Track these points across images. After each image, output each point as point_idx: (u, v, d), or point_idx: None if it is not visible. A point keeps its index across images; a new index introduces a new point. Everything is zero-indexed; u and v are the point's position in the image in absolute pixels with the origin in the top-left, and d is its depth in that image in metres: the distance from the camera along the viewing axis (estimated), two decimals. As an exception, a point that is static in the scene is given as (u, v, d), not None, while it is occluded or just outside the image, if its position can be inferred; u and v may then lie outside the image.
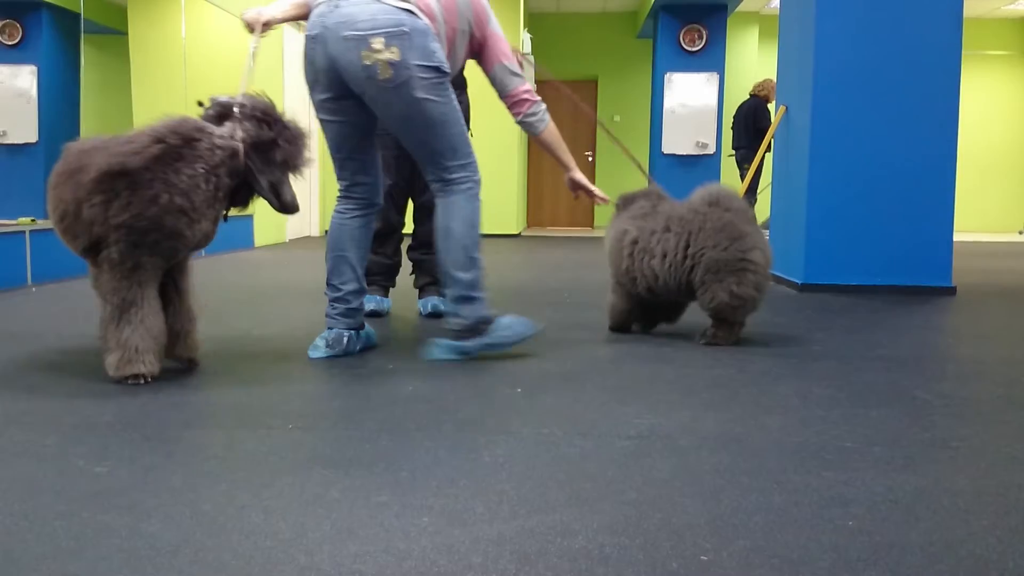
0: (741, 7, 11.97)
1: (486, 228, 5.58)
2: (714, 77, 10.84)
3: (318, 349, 2.91)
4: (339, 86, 2.77)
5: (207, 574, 1.28)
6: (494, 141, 9.83)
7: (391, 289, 4.07)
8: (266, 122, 2.52)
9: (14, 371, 2.66)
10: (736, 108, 9.50)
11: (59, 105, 5.93)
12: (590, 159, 13.04)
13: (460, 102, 3.18)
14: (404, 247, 4.03)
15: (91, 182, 2.32)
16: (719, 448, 1.94)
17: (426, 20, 2.71)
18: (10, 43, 5.80)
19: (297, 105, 9.61)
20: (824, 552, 1.38)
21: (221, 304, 4.08)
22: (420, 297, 4.08)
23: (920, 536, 1.45)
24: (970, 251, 8.19)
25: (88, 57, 5.95)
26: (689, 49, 10.81)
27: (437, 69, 2.71)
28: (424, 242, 3.98)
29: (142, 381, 2.45)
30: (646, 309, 3.43)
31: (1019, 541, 1.43)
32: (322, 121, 2.90)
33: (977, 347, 3.26)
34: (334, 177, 3.05)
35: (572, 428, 2.09)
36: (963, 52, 4.92)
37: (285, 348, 3.05)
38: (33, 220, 5.35)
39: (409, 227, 4.01)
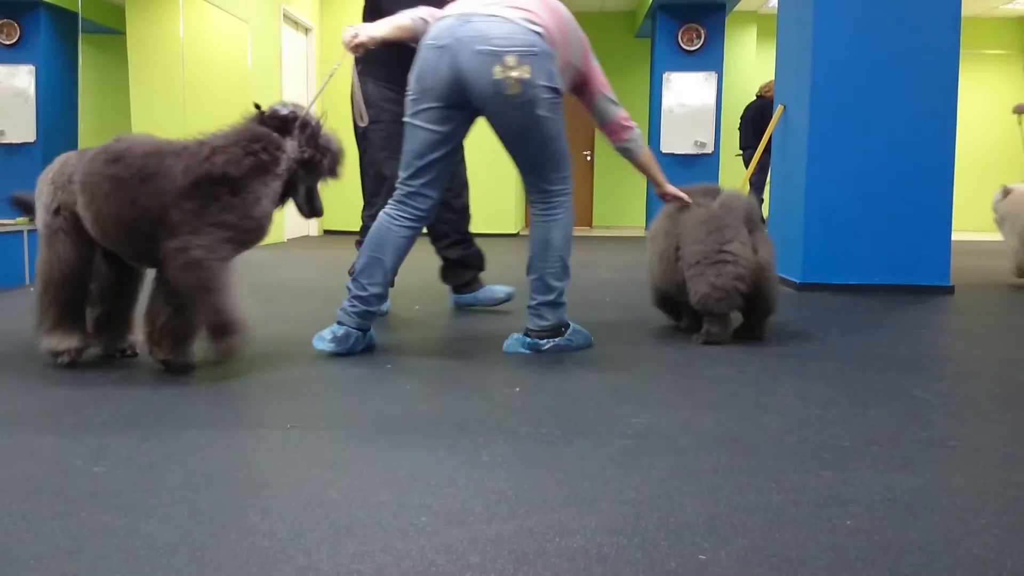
0: (739, 6, 11.97)
1: (482, 227, 5.61)
2: (712, 76, 10.84)
3: (323, 341, 2.92)
4: (456, 97, 2.85)
5: (205, 574, 1.28)
6: (492, 139, 9.82)
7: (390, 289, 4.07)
8: (315, 136, 2.70)
9: (12, 371, 2.66)
10: (743, 109, 9.51)
11: (57, 105, 5.92)
12: (588, 158, 13.05)
13: None
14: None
15: (185, 187, 2.48)
16: (717, 447, 1.94)
17: (550, 45, 2.83)
18: (8, 43, 5.79)
19: (295, 99, 9.62)
20: (822, 551, 1.38)
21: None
22: (467, 291, 4.08)
23: (918, 535, 1.45)
24: (968, 250, 8.19)
25: (86, 57, 5.94)
26: (687, 48, 10.80)
27: (557, 90, 2.86)
28: (465, 237, 4.03)
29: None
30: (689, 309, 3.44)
31: (1017, 540, 1.43)
32: (413, 127, 2.94)
33: (975, 346, 3.26)
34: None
35: (570, 427, 2.09)
36: (961, 51, 4.91)
37: (283, 348, 3.05)
38: (31, 220, 5.35)
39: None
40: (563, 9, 2.97)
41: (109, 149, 2.57)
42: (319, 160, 2.72)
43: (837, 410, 2.28)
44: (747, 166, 9.14)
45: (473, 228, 4.12)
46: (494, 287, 4.12)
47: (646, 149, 3.17)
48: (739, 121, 9.61)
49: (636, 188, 12.73)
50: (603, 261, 6.66)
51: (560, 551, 1.37)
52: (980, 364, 2.92)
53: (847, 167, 4.93)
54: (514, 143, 2.95)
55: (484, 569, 1.30)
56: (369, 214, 3.88)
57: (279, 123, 2.67)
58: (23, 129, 5.82)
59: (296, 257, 6.85)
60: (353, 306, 2.94)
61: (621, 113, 3.10)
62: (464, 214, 4.05)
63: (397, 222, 2.98)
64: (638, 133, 3.14)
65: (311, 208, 2.78)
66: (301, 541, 1.39)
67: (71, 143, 5.89)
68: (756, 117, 9.05)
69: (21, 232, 4.83)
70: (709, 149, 10.82)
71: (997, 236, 7.21)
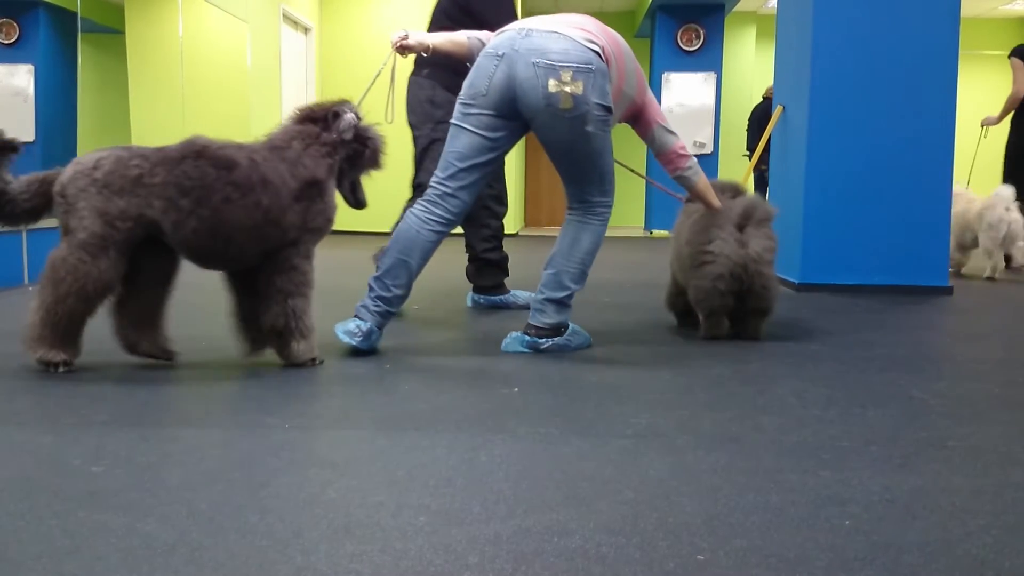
0: (738, 7, 11.97)
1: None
2: (711, 77, 10.85)
3: (350, 335, 2.89)
4: (507, 106, 2.91)
5: (203, 574, 1.28)
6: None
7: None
8: (359, 132, 2.79)
9: (10, 370, 2.66)
10: (751, 110, 9.53)
11: (56, 104, 5.92)
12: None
13: None
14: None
15: (295, 189, 2.62)
16: (716, 447, 1.94)
17: (606, 65, 2.88)
18: (7, 42, 5.79)
19: (294, 99, 9.62)
20: (821, 551, 1.38)
21: (217, 303, 4.07)
22: (497, 293, 4.08)
23: (917, 535, 1.45)
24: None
25: (85, 56, 5.94)
26: (686, 49, 10.81)
27: (608, 109, 2.90)
28: (501, 240, 4.07)
29: (319, 362, 2.76)
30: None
31: (1015, 540, 1.43)
32: (461, 130, 2.98)
33: (974, 347, 3.26)
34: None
35: (569, 427, 2.09)
36: (960, 52, 4.91)
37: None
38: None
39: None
40: (623, 41, 3.03)
41: (207, 153, 2.54)
42: (361, 152, 2.81)
43: (836, 410, 2.28)
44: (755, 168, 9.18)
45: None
46: (518, 292, 4.13)
47: (702, 176, 3.22)
48: (747, 123, 9.63)
49: (635, 189, 12.73)
50: (603, 261, 6.65)
51: (558, 551, 1.37)
52: (978, 364, 2.92)
53: (846, 167, 4.94)
54: (560, 156, 2.99)
55: (482, 569, 1.30)
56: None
57: (323, 119, 2.75)
58: (22, 129, 5.81)
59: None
60: (376, 305, 2.95)
61: (678, 143, 3.15)
62: (502, 219, 4.14)
63: (427, 225, 2.99)
64: (695, 161, 3.21)
65: (356, 199, 2.88)
66: (299, 541, 1.39)
67: (70, 143, 5.89)
68: (763, 119, 9.08)
69: (19, 232, 4.83)
70: (708, 149, 10.82)
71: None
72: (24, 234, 4.84)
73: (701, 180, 3.21)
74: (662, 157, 3.16)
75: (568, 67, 2.80)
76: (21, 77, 5.83)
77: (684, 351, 3.10)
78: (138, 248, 2.59)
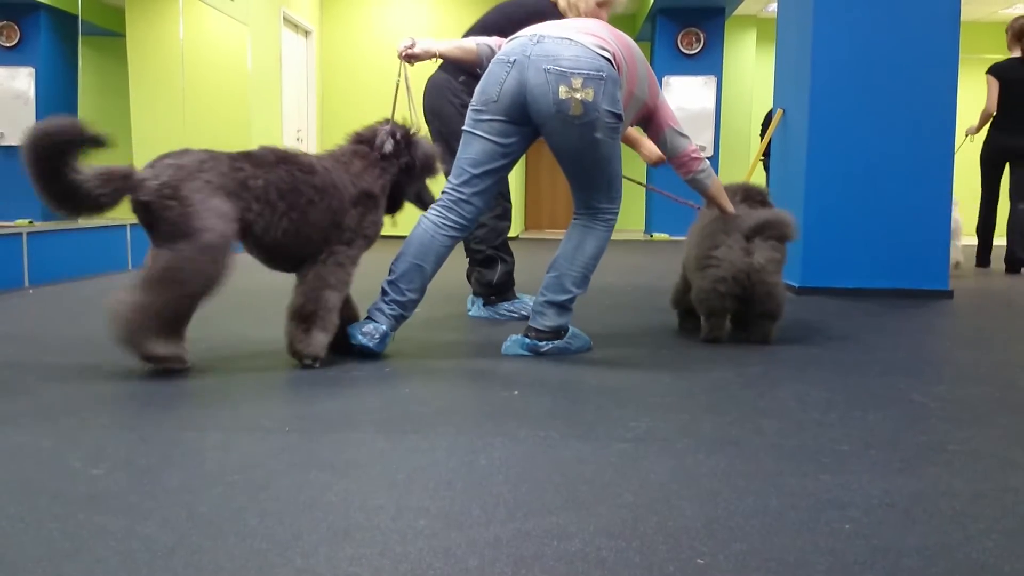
0: (739, 10, 11.98)
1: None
2: (712, 80, 10.85)
3: (368, 337, 2.90)
4: (517, 112, 2.93)
5: (203, 576, 1.28)
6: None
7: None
8: (406, 145, 2.95)
9: (11, 373, 2.66)
10: (764, 115, 9.55)
11: (57, 107, 5.92)
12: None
13: None
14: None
15: (355, 195, 2.82)
16: (716, 451, 1.94)
17: (617, 71, 2.88)
18: (8, 45, 5.80)
19: (295, 102, 9.62)
20: (821, 556, 1.38)
21: (216, 306, 4.07)
22: (509, 298, 4.03)
23: (916, 539, 1.45)
24: (967, 254, 8.18)
25: (86, 59, 5.95)
26: (687, 52, 10.81)
27: (618, 116, 2.91)
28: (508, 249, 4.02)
29: (318, 365, 2.82)
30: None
31: (1015, 544, 1.43)
32: (474, 136, 3.00)
33: (974, 350, 3.26)
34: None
35: (569, 431, 2.09)
36: (960, 56, 4.92)
37: (281, 350, 3.04)
38: (31, 222, 5.35)
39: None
40: (634, 45, 3.04)
41: (291, 158, 2.73)
42: (413, 164, 2.96)
43: (836, 414, 2.28)
44: (767, 170, 9.22)
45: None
46: (524, 297, 4.09)
47: (715, 179, 3.23)
48: (760, 127, 9.66)
49: (636, 192, 12.74)
50: (603, 265, 6.65)
51: (558, 554, 1.37)
52: (979, 368, 2.92)
53: (846, 171, 4.94)
54: (569, 162, 3.00)
55: (482, 572, 1.30)
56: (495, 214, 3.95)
57: (372, 140, 2.94)
58: (23, 131, 5.82)
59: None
60: (392, 309, 2.96)
61: (690, 146, 3.17)
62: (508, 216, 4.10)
63: (442, 230, 3.01)
64: (707, 165, 3.21)
65: (422, 204, 3.08)
66: (299, 544, 1.39)
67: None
68: None
69: (20, 234, 4.83)
70: (708, 153, 10.82)
71: (995, 241, 7.25)
72: (24, 236, 4.84)
73: (714, 183, 3.22)
74: (674, 161, 3.17)
75: (579, 74, 2.81)
76: (22, 80, 5.84)
77: (684, 354, 3.10)
78: None
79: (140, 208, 2.55)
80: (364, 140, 2.94)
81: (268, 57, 8.63)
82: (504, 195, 4.00)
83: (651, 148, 3.67)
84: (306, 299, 2.76)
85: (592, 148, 2.91)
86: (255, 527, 1.46)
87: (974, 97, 12.62)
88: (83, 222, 5.87)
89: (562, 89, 2.81)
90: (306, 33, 9.99)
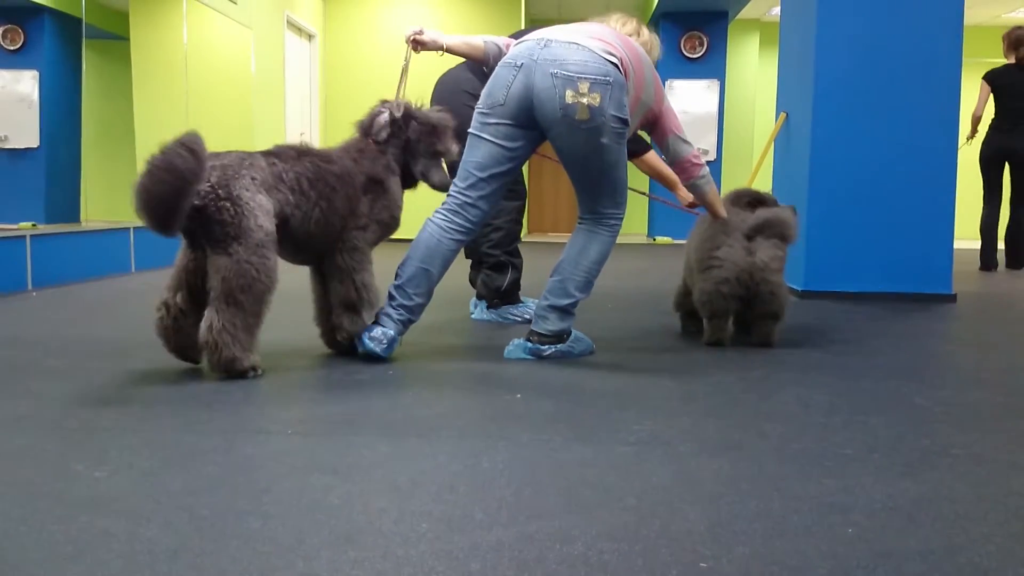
0: (742, 14, 11.97)
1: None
2: (715, 84, 10.85)
3: (376, 342, 2.89)
4: (524, 116, 2.93)
5: (205, 580, 1.28)
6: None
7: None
8: (406, 123, 3.01)
9: (14, 376, 2.66)
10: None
11: (60, 110, 5.93)
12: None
13: None
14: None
15: (364, 183, 2.89)
16: (719, 454, 1.94)
17: (624, 77, 2.89)
18: (12, 48, 5.81)
19: (298, 106, 9.62)
20: (823, 559, 1.38)
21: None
22: (514, 302, 4.02)
23: (919, 543, 1.45)
24: (971, 259, 8.17)
25: (90, 62, 5.96)
26: (690, 56, 10.82)
27: (624, 121, 2.92)
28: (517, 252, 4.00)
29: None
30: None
31: (1019, 549, 1.43)
32: (480, 139, 3.00)
33: (977, 355, 3.25)
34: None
35: (572, 434, 2.08)
36: (965, 60, 4.91)
37: (283, 353, 3.05)
38: (34, 225, 5.36)
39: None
40: (641, 50, 3.06)
41: (309, 151, 2.83)
42: (417, 139, 3.02)
43: (839, 418, 2.28)
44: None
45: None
46: (528, 301, 4.08)
47: (713, 186, 3.25)
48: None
49: (638, 196, 12.74)
50: (606, 268, 6.64)
51: (561, 558, 1.37)
52: (982, 372, 2.92)
53: (849, 175, 4.93)
54: (575, 166, 3.00)
55: (484, 576, 1.30)
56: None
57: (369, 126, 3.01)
58: (27, 134, 5.83)
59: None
60: (399, 314, 2.96)
61: (692, 152, 3.18)
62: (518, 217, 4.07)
63: (448, 234, 3.01)
64: (707, 171, 3.22)
65: (430, 183, 3.08)
66: (302, 547, 1.39)
67: (74, 149, 5.90)
68: None
69: (23, 237, 4.84)
70: (712, 156, 10.82)
71: (999, 244, 7.28)
72: (28, 239, 4.85)
73: (712, 190, 3.23)
74: (676, 165, 3.18)
75: (586, 78, 2.81)
76: (26, 83, 5.85)
77: (687, 358, 3.10)
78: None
79: (192, 213, 2.50)
80: (363, 128, 3.03)
81: (272, 61, 8.64)
82: (519, 195, 3.95)
83: (686, 193, 3.68)
84: (345, 289, 2.90)
85: (598, 153, 2.91)
86: (257, 530, 1.46)
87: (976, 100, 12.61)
88: (87, 224, 5.88)
89: (569, 93, 2.81)
90: (310, 37, 10.00)
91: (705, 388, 2.62)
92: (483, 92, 3.01)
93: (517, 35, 3.29)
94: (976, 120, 7.19)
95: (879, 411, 2.36)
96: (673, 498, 1.65)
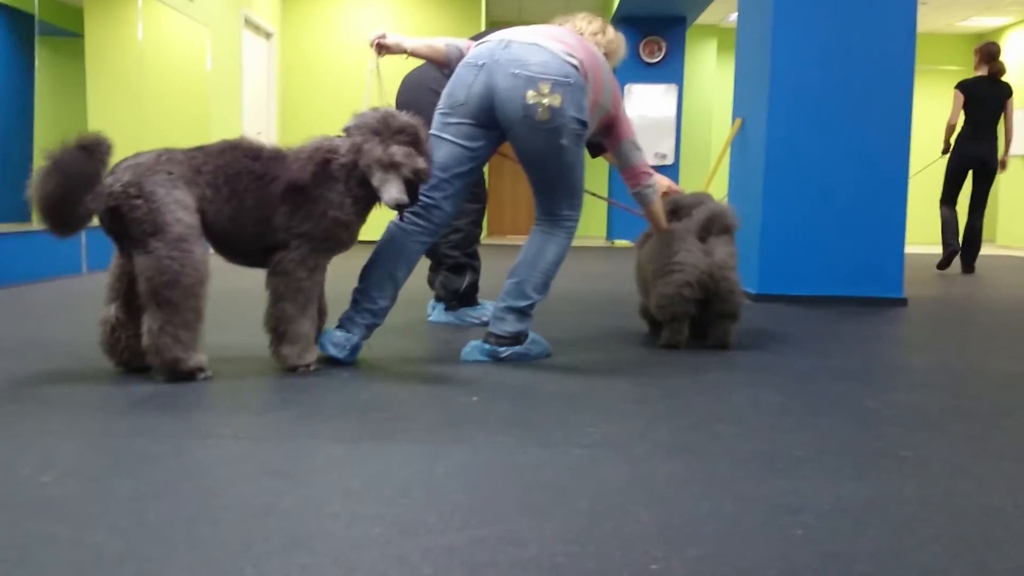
0: (700, 20, 12.09)
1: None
2: (673, 89, 10.93)
3: (338, 348, 2.88)
4: (485, 116, 2.93)
5: (152, 586, 1.26)
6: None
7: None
8: (378, 133, 2.73)
9: (-41, 378, 2.61)
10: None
11: (12, 108, 5.82)
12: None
13: None
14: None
15: (283, 191, 2.65)
16: (672, 457, 1.95)
17: (584, 79, 2.90)
18: (-39, 44, 5.69)
19: (255, 104, 9.54)
20: (773, 560, 1.39)
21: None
22: (472, 304, 4.00)
23: (868, 544, 1.47)
24: (922, 263, 8.31)
25: (42, 59, 5.86)
26: (648, 61, 10.89)
27: (583, 123, 2.93)
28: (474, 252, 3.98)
29: (312, 368, 2.77)
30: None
31: (965, 550, 1.45)
32: (441, 140, 2.99)
33: (927, 357, 3.31)
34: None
35: (527, 437, 2.08)
36: (918, 67, 5.01)
37: (238, 355, 3.02)
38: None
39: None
40: (600, 55, 3.07)
41: (241, 146, 2.68)
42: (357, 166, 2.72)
43: (791, 420, 2.30)
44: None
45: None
46: (486, 303, 4.07)
47: (659, 198, 3.27)
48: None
49: (598, 200, 12.80)
50: (565, 271, 6.67)
51: (513, 561, 1.37)
52: (932, 375, 2.97)
53: (803, 180, 5.00)
54: (533, 167, 3.00)
55: (436, 580, 1.30)
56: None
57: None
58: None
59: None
60: (363, 317, 2.94)
61: (642, 160, 3.19)
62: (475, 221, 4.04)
63: (412, 236, 2.99)
64: (655, 181, 3.23)
65: (383, 200, 2.71)
66: (250, 553, 1.38)
67: (27, 147, 5.79)
68: None
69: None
70: (670, 160, 10.90)
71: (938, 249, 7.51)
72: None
73: (657, 201, 3.26)
74: (625, 172, 3.19)
75: (547, 79, 2.82)
76: (-25, 80, 5.74)
77: (643, 360, 3.11)
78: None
79: (107, 215, 2.52)
80: (326, 147, 2.73)
81: (228, 59, 8.56)
82: (480, 197, 3.95)
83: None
84: (266, 315, 2.75)
85: (557, 154, 2.92)
86: (206, 536, 1.44)
87: (931, 107, 12.85)
88: (37, 224, 5.77)
89: (530, 94, 2.82)
90: (267, 35, 9.92)
91: (660, 390, 2.63)
92: (444, 92, 3.01)
93: (477, 37, 3.29)
94: (950, 129, 7.42)
95: (830, 413, 2.39)
96: (626, 500, 1.66)
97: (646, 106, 10.87)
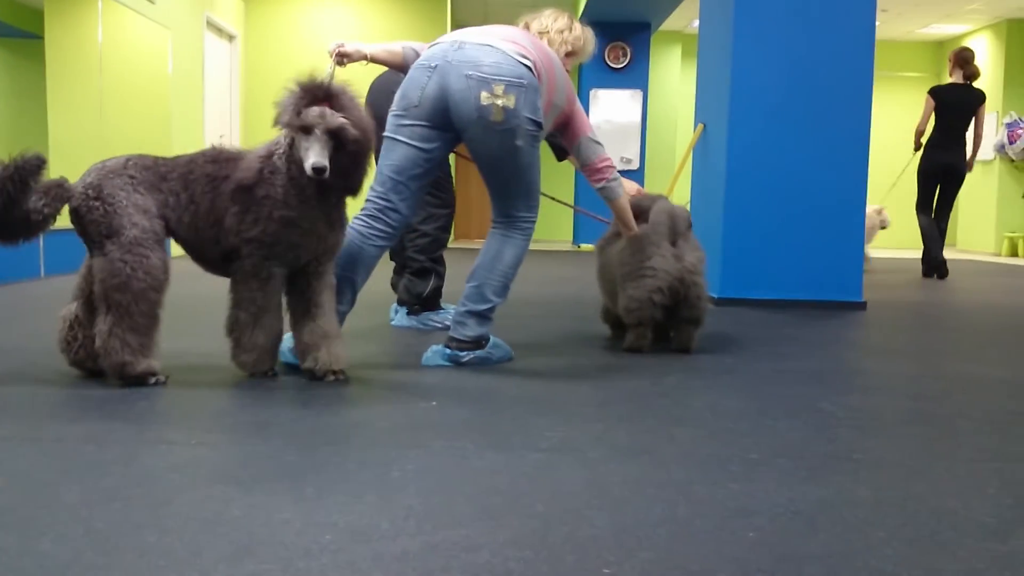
0: (664, 26, 12.15)
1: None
2: (638, 94, 10.98)
3: (295, 353, 2.83)
4: (439, 117, 2.91)
5: (96, 595, 1.24)
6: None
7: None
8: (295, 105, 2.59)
9: (-93, 384, 2.56)
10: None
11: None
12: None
13: None
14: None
15: (231, 193, 2.58)
16: (628, 460, 1.95)
17: (537, 79, 2.90)
18: (-85, 44, 5.60)
19: (218, 107, 9.46)
20: (725, 563, 1.39)
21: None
22: (435, 308, 3.97)
23: (819, 547, 1.47)
24: (881, 267, 8.40)
25: (2, 61, 5.77)
26: (614, 66, 10.93)
27: (538, 124, 2.93)
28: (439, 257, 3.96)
29: (271, 374, 2.75)
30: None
31: (915, 553, 1.46)
32: (396, 142, 2.97)
33: (884, 361, 3.34)
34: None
35: (485, 441, 2.08)
36: (878, 74, 5.07)
37: (197, 362, 2.98)
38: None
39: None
40: (552, 53, 3.06)
41: (207, 153, 2.66)
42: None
43: (747, 423, 2.31)
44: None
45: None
46: (448, 307, 4.04)
47: (624, 190, 3.26)
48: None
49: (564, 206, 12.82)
50: (529, 274, 6.67)
51: (465, 567, 1.36)
52: (888, 379, 2.99)
53: (764, 185, 5.03)
54: (489, 168, 2.99)
55: (386, 586, 1.29)
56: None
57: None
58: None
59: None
60: None
61: (603, 154, 3.18)
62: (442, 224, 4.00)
63: (369, 240, 2.97)
64: (618, 176, 3.22)
65: (302, 165, 2.53)
66: (198, 561, 1.36)
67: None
68: None
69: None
70: (635, 165, 10.95)
71: (908, 253, 7.59)
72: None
73: (623, 198, 3.25)
74: (586, 169, 3.18)
75: (501, 80, 2.81)
76: (-70, 81, 5.64)
77: (605, 365, 3.12)
78: None
79: (72, 217, 2.55)
80: (274, 144, 2.66)
81: (190, 61, 8.48)
82: (448, 203, 3.94)
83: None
84: (226, 321, 2.72)
85: (512, 155, 2.92)
86: (153, 544, 1.42)
87: (890, 113, 13.01)
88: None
89: (484, 95, 2.81)
90: (230, 38, 9.84)
91: (620, 394, 2.63)
92: (397, 94, 2.99)
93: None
94: (920, 133, 7.49)
95: (786, 416, 2.40)
96: (581, 504, 1.65)
97: (611, 111, 10.91)
